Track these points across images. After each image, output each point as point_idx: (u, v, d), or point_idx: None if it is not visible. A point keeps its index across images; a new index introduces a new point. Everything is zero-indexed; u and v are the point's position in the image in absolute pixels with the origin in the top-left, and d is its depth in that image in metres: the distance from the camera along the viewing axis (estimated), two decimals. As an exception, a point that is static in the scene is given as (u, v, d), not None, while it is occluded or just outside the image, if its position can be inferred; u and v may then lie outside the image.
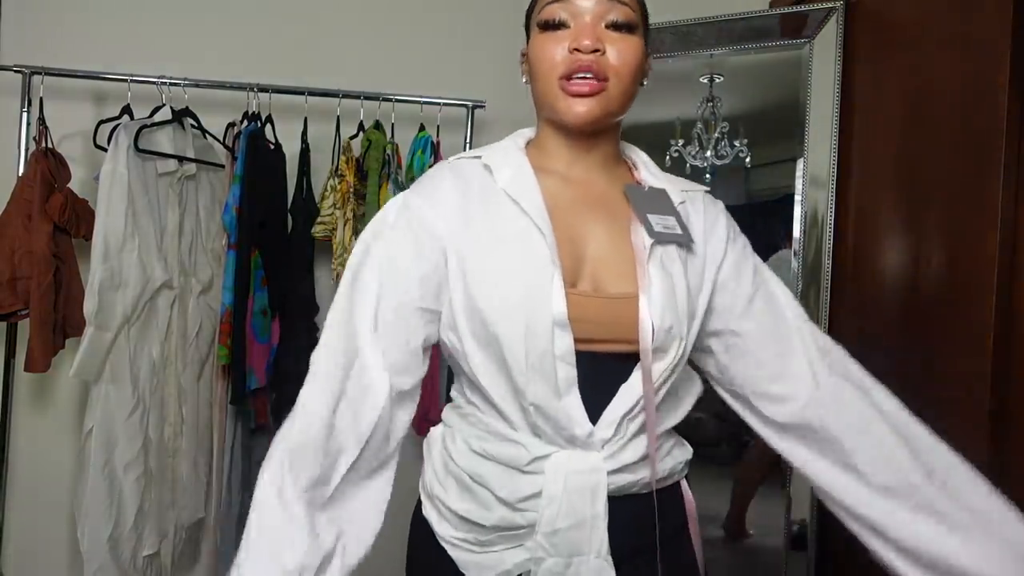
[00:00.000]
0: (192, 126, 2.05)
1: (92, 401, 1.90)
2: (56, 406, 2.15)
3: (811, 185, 1.82)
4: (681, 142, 2.02)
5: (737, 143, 1.99)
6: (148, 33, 2.17)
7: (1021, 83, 1.23)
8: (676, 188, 1.00)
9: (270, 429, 2.10)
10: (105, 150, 1.91)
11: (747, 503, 1.94)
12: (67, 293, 1.93)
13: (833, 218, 1.76)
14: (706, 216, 0.99)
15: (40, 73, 1.95)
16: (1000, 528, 0.82)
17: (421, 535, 0.98)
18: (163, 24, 2.18)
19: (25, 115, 1.98)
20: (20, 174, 1.95)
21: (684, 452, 0.98)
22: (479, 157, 0.97)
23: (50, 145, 1.95)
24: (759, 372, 0.96)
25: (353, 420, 0.84)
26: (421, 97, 2.12)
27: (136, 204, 1.90)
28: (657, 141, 2.00)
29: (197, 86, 2.03)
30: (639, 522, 0.90)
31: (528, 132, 1.02)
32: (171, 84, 2.00)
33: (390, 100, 2.10)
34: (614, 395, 0.87)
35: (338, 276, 1.99)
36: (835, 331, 1.74)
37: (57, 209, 1.87)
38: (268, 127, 2.06)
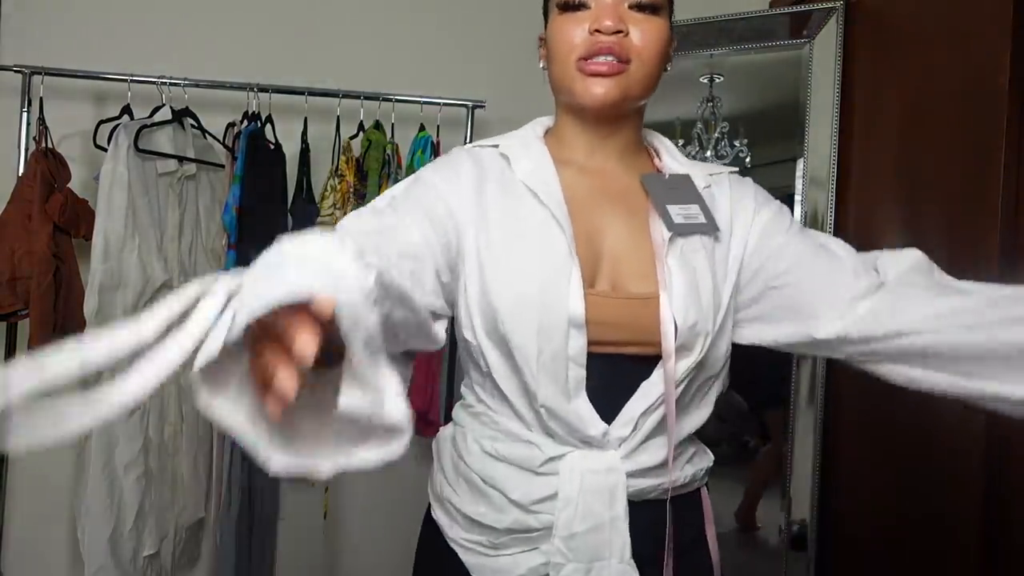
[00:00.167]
0: (192, 126, 2.05)
1: (92, 401, 1.90)
2: (56, 406, 2.15)
3: (811, 185, 1.82)
4: (681, 142, 2.02)
5: (737, 143, 1.99)
6: (148, 33, 2.17)
7: (1021, 83, 1.24)
8: (702, 172, 0.94)
9: (270, 429, 2.10)
10: (105, 150, 1.91)
11: (758, 497, 1.94)
12: (67, 293, 1.93)
13: (833, 218, 1.76)
14: (732, 195, 0.93)
15: (40, 73, 1.95)
16: None
17: (430, 538, 0.95)
18: (163, 24, 2.18)
19: (25, 115, 1.98)
20: (20, 174, 1.95)
21: (706, 459, 0.95)
22: (496, 146, 0.93)
23: (50, 145, 1.95)
24: (815, 298, 0.87)
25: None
26: (421, 97, 2.12)
27: (136, 204, 1.90)
28: (657, 141, 2.00)
29: (197, 86, 2.03)
30: (658, 529, 0.87)
31: (546, 120, 0.98)
32: (171, 84, 2.00)
33: (390, 100, 2.10)
34: (632, 395, 0.84)
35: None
36: (835, 331, 1.74)
37: (57, 209, 1.87)
38: (268, 127, 2.06)
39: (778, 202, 0.96)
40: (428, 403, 2.04)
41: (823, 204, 1.78)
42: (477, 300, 0.85)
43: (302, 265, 0.48)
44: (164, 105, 1.98)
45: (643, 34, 0.85)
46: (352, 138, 2.09)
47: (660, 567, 0.87)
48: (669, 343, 0.83)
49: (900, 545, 1.50)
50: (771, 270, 0.90)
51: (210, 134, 2.09)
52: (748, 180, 0.97)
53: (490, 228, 0.85)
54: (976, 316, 0.75)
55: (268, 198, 2.01)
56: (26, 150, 1.98)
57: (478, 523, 0.88)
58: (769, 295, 0.90)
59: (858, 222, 1.71)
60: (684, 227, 0.87)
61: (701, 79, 2.03)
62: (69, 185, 1.95)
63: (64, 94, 2.05)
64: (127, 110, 1.98)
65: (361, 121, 2.09)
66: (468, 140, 2.17)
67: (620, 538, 0.83)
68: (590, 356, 0.82)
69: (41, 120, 1.95)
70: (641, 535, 0.84)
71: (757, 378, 1.83)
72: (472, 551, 0.89)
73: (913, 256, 0.86)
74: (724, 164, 1.98)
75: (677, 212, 0.88)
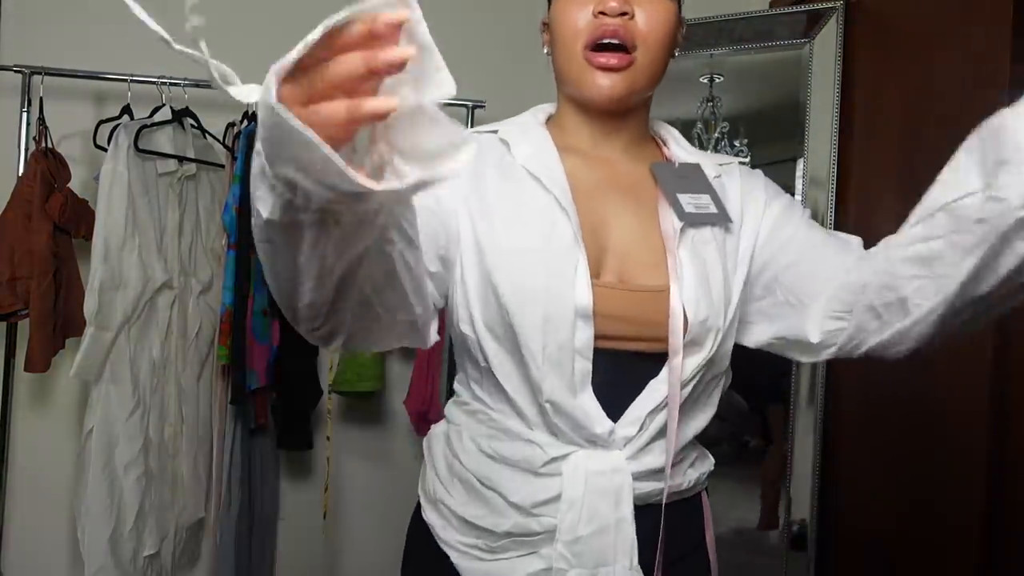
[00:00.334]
0: (192, 126, 2.04)
1: (92, 401, 1.90)
2: (56, 406, 2.15)
3: (811, 185, 1.82)
4: (681, 142, 2.02)
5: (737, 143, 1.99)
6: (148, 33, 2.16)
7: (1021, 83, 1.24)
8: (711, 163, 0.92)
9: (270, 429, 2.10)
10: (105, 150, 1.91)
11: (777, 499, 1.91)
12: (67, 293, 1.92)
13: (833, 218, 1.76)
14: (743, 187, 0.91)
15: (40, 73, 1.95)
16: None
17: (420, 540, 0.91)
18: (163, 24, 2.17)
19: (25, 115, 1.98)
20: (20, 174, 1.94)
21: (707, 463, 0.92)
22: (495, 132, 0.89)
23: (50, 145, 1.95)
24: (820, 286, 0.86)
25: None
26: (421, 97, 2.12)
27: (136, 204, 1.90)
28: (657, 141, 2.00)
29: (197, 86, 2.03)
30: (661, 534, 0.84)
31: (548, 107, 0.94)
32: (171, 84, 2.00)
33: (390, 100, 2.09)
34: (638, 393, 0.81)
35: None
36: (835, 331, 1.74)
37: (57, 209, 1.87)
38: (268, 127, 2.05)
39: (789, 195, 0.95)
40: (428, 403, 2.04)
41: (823, 204, 1.78)
42: (477, 289, 0.81)
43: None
44: (164, 105, 1.98)
45: (649, 17, 0.82)
46: (352, 138, 2.08)
47: (665, 573, 0.84)
48: (677, 338, 0.80)
49: (900, 545, 1.50)
50: (781, 262, 0.88)
51: (210, 134, 2.09)
52: (758, 172, 0.95)
53: (490, 215, 0.82)
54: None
55: (268, 198, 2.01)
56: (26, 150, 1.98)
57: (474, 526, 0.84)
58: (777, 288, 0.88)
59: (858, 222, 1.71)
60: (696, 217, 0.84)
61: (701, 79, 2.03)
62: (69, 185, 1.95)
63: (64, 94, 2.05)
64: (127, 110, 1.98)
65: (361, 121, 2.08)
66: (468, 140, 2.16)
67: (626, 542, 0.80)
68: (596, 352, 0.79)
69: (41, 120, 1.94)
70: (645, 540, 0.81)
71: (757, 377, 1.83)
72: (466, 555, 0.85)
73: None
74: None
75: (688, 201, 0.85)
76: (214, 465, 2.08)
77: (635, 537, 0.80)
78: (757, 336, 0.91)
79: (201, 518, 2.11)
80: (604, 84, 0.82)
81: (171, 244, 1.98)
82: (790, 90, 1.88)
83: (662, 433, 0.82)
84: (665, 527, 0.84)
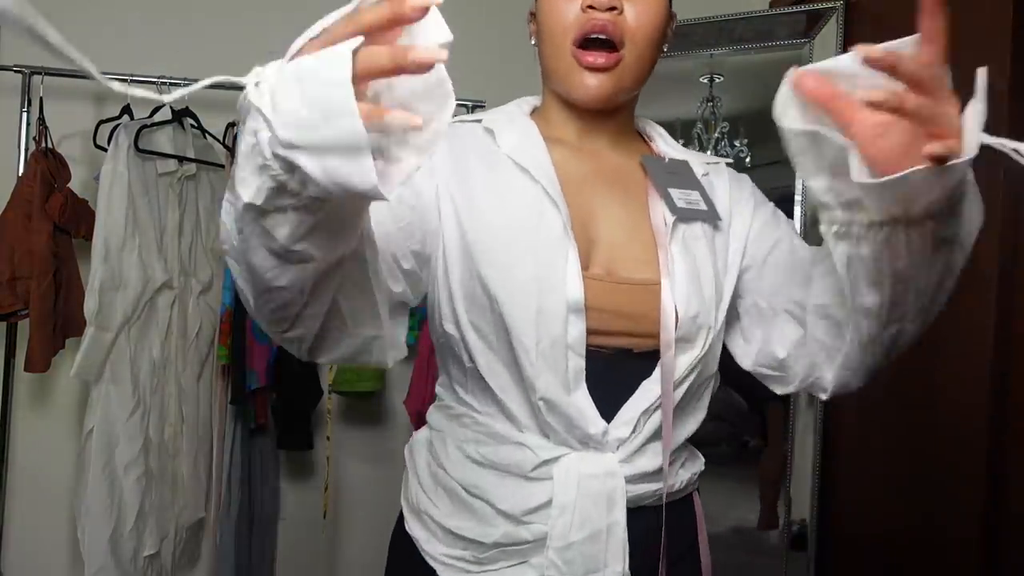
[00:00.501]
0: (192, 126, 2.05)
1: (92, 401, 1.90)
2: (56, 406, 2.15)
3: (811, 185, 1.82)
4: (681, 142, 2.01)
5: (737, 143, 1.99)
6: (148, 33, 2.17)
7: (1021, 83, 1.23)
8: (699, 161, 0.90)
9: (270, 429, 2.10)
10: (105, 150, 1.91)
11: (776, 498, 1.92)
12: (67, 293, 1.93)
13: (833, 218, 1.76)
14: (731, 188, 0.89)
15: (40, 73, 1.95)
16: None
17: (404, 554, 0.86)
18: (163, 24, 2.18)
19: (25, 115, 1.98)
20: (20, 174, 1.95)
21: (697, 463, 0.90)
22: (479, 121, 0.86)
23: (50, 145, 1.95)
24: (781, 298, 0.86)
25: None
26: (421, 97, 2.12)
27: (136, 204, 1.90)
28: (657, 141, 2.00)
29: (197, 86, 2.03)
30: (653, 537, 0.81)
31: (533, 100, 0.92)
32: (171, 84, 2.00)
33: (390, 100, 2.09)
34: (631, 394, 0.79)
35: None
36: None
37: (57, 209, 1.87)
38: (268, 127, 2.06)
39: (772, 204, 0.94)
40: (428, 403, 2.02)
41: (823, 204, 1.78)
42: (463, 285, 0.78)
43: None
44: (164, 105, 1.99)
45: (639, 12, 0.80)
46: (352, 138, 2.08)
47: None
48: (669, 334, 0.78)
49: (900, 545, 1.50)
50: (764, 267, 0.87)
51: (210, 134, 2.09)
52: (745, 177, 0.94)
53: (476, 206, 0.79)
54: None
55: (268, 198, 2.01)
56: (26, 150, 1.98)
57: (461, 537, 0.80)
58: (755, 294, 0.87)
59: (858, 222, 1.71)
60: (687, 212, 0.83)
61: (701, 79, 2.03)
62: (69, 185, 1.95)
63: (64, 94, 2.05)
64: (127, 110, 1.98)
65: (361, 121, 2.08)
66: (468, 140, 2.16)
67: (618, 547, 0.77)
68: (586, 350, 0.77)
69: (41, 120, 1.95)
70: (635, 544, 0.78)
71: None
72: (453, 567, 0.81)
73: None
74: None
75: (679, 196, 0.83)
76: (214, 465, 2.09)
77: (627, 542, 0.77)
78: (744, 349, 0.90)
79: (201, 518, 2.11)
80: (591, 84, 0.80)
81: (171, 244, 1.98)
82: (790, 90, 1.88)
83: (656, 436, 0.80)
84: (657, 528, 0.82)
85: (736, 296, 0.88)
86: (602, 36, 0.79)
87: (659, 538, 0.82)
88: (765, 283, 0.86)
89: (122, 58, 2.06)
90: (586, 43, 0.80)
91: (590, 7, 0.79)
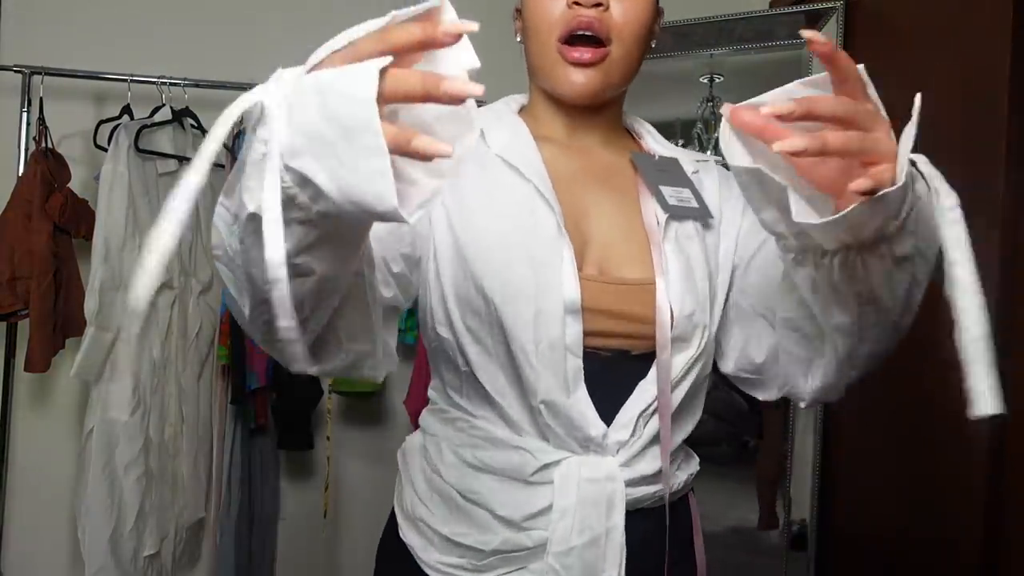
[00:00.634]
0: (192, 126, 2.05)
1: (92, 401, 1.90)
2: (56, 406, 2.15)
3: (811, 185, 1.82)
4: (681, 142, 2.02)
5: (737, 143, 1.99)
6: (148, 33, 2.17)
7: (1021, 83, 1.23)
8: (688, 158, 0.89)
9: (270, 429, 2.10)
10: (105, 150, 1.91)
11: (774, 498, 1.92)
12: (67, 293, 1.93)
13: (833, 218, 1.76)
14: (720, 186, 0.88)
15: (40, 73, 1.95)
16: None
17: (396, 562, 0.85)
18: (163, 24, 2.18)
19: (25, 115, 1.98)
20: (20, 174, 1.95)
21: (693, 463, 0.89)
22: None
23: (50, 145, 1.95)
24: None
25: None
26: (421, 97, 2.12)
27: (136, 204, 1.90)
28: (657, 141, 2.01)
29: (197, 86, 2.03)
30: (651, 539, 0.81)
31: (519, 98, 0.92)
32: (171, 84, 2.00)
33: (390, 100, 2.09)
34: (628, 396, 0.78)
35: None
36: (835, 331, 1.74)
37: (57, 209, 1.87)
38: (268, 127, 2.05)
39: None
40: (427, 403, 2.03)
41: (823, 204, 1.78)
42: (456, 287, 0.77)
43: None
44: (164, 105, 1.98)
45: (626, 8, 0.79)
46: (352, 138, 2.08)
47: None
48: (665, 333, 0.77)
49: (900, 545, 1.50)
50: (751, 267, 0.85)
51: (210, 134, 2.09)
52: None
53: (467, 206, 0.78)
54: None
55: (268, 198, 2.01)
56: (26, 150, 1.98)
57: (458, 544, 0.79)
58: (742, 294, 0.86)
59: (858, 222, 1.71)
60: (679, 210, 0.82)
61: (701, 79, 2.03)
62: (69, 185, 1.95)
63: (64, 94, 2.05)
64: (127, 110, 1.98)
65: (361, 121, 2.08)
66: (468, 140, 2.16)
67: (616, 551, 0.76)
68: (583, 351, 0.76)
69: (41, 120, 1.95)
70: (632, 548, 0.78)
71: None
72: None
73: None
74: (723, 164, 1.98)
75: (670, 194, 0.82)
76: (214, 465, 2.09)
77: (624, 546, 0.76)
78: (723, 351, 0.88)
79: (201, 518, 2.11)
80: (577, 80, 0.79)
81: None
82: (790, 90, 1.88)
83: (655, 438, 0.79)
84: (658, 531, 0.81)
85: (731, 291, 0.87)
86: (588, 32, 0.78)
87: (656, 540, 0.81)
88: (748, 283, 0.85)
89: (122, 58, 2.06)
90: (572, 39, 0.79)
91: (576, 3, 0.78)
